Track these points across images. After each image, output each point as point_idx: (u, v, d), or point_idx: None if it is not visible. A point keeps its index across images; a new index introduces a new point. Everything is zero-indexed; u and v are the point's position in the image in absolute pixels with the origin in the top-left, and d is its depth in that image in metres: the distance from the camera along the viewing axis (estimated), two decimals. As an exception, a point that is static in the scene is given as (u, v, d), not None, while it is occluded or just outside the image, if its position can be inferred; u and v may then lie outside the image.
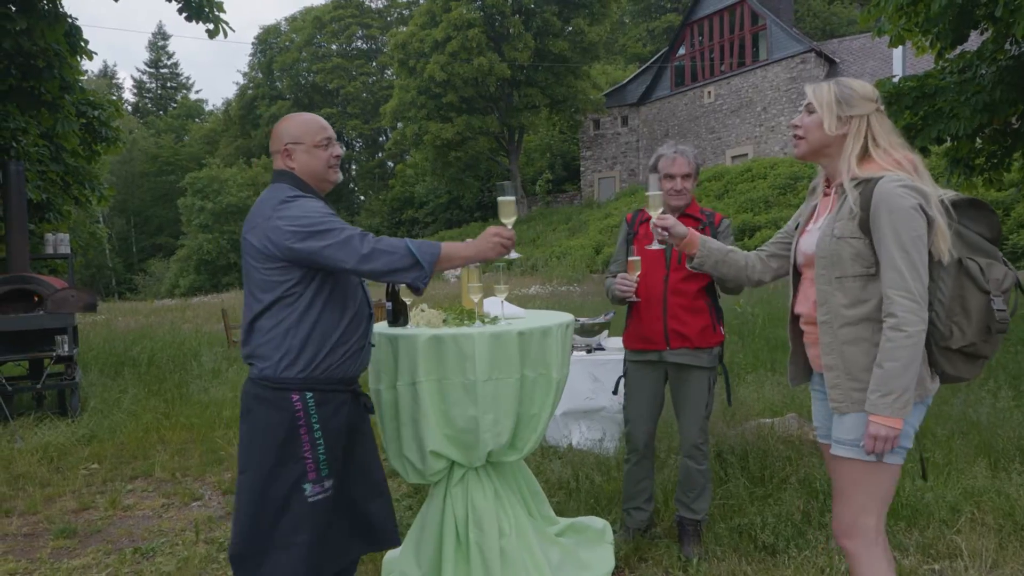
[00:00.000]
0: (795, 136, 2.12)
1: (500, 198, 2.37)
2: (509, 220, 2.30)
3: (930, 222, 1.87)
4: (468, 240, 2.20)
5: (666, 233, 2.46)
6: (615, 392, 3.52)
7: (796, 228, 2.27)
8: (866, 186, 1.95)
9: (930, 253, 1.90)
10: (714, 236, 3.07)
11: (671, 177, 3.08)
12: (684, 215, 3.13)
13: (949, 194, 1.95)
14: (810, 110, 2.07)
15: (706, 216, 3.16)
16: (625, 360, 3.30)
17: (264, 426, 2.10)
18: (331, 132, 2.27)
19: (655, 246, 2.63)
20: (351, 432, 2.26)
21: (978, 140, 7.39)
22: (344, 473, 2.25)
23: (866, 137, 1.99)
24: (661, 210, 2.55)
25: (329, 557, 2.22)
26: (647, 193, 2.58)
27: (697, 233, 2.48)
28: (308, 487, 2.10)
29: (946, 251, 1.88)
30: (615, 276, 3.17)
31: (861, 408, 1.94)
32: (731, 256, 2.44)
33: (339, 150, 2.29)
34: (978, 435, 4.38)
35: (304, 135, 2.22)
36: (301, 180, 2.22)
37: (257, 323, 2.13)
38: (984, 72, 6.78)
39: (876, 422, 1.88)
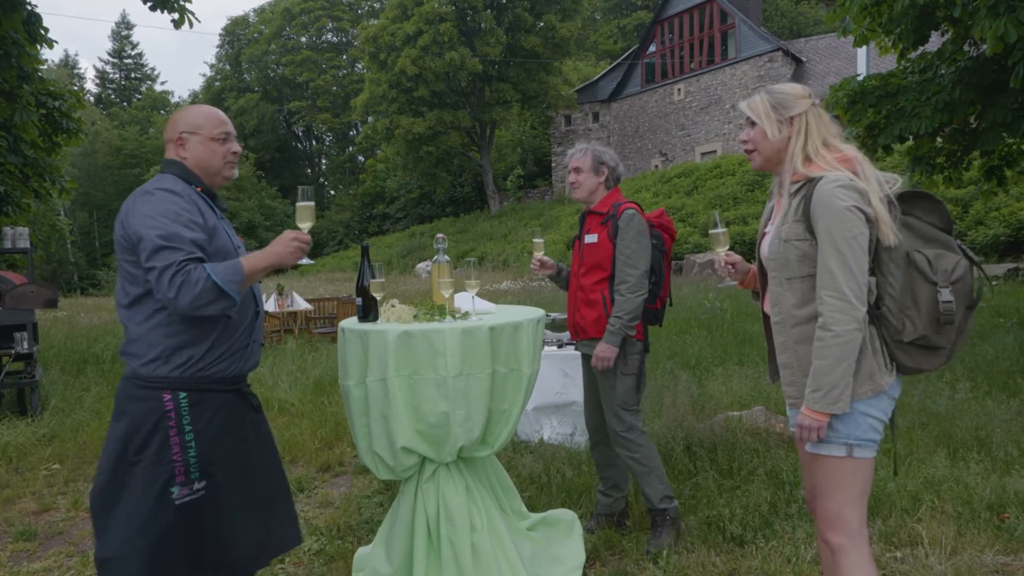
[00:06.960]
0: (747, 151, 2.19)
1: (299, 203, 2.24)
2: (305, 225, 2.18)
3: (869, 218, 1.91)
4: (266, 248, 2.07)
5: (732, 268, 2.42)
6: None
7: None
8: (808, 187, 2.00)
9: (879, 248, 1.95)
10: (616, 228, 3.13)
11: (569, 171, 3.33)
12: (591, 212, 3.26)
13: (896, 186, 1.99)
14: (751, 123, 2.14)
15: (611, 209, 3.20)
16: None
17: (134, 427, 1.99)
18: (231, 128, 2.21)
19: (727, 283, 2.60)
20: (236, 433, 2.15)
21: (939, 139, 7.55)
22: (230, 476, 2.12)
23: (806, 135, 2.05)
24: (726, 248, 2.45)
25: (211, 561, 2.09)
26: (710, 231, 2.46)
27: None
28: (175, 490, 2.00)
29: (891, 235, 1.91)
30: None
31: None
32: None
33: (237, 147, 2.21)
34: (937, 426, 4.50)
35: (202, 126, 2.14)
36: (191, 172, 2.13)
37: (128, 318, 2.03)
38: (944, 72, 6.93)
39: (805, 413, 1.97)
